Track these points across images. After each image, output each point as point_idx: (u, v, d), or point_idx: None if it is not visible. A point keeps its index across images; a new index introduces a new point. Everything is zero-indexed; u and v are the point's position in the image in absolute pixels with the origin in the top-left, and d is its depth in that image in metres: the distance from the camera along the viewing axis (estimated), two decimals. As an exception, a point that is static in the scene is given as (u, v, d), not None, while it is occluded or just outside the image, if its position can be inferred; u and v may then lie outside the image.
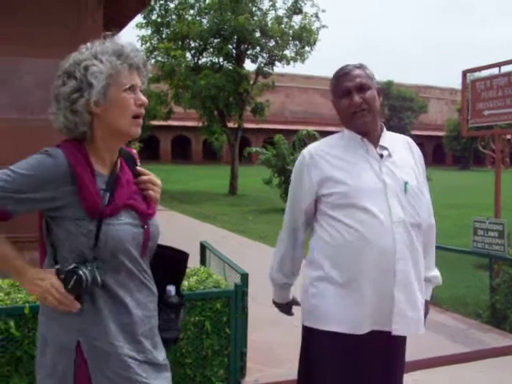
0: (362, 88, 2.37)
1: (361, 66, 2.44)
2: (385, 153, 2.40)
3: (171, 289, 2.05)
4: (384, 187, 2.32)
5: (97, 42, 1.84)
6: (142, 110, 1.86)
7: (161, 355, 1.94)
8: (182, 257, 2.11)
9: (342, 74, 2.42)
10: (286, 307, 2.75)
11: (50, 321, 1.81)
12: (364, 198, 2.29)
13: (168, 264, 2.03)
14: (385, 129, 2.48)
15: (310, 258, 2.46)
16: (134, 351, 1.82)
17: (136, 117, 1.84)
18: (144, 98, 1.85)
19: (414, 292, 2.34)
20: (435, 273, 2.63)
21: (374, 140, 2.42)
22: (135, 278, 1.87)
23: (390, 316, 2.29)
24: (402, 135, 2.61)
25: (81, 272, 1.71)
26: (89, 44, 1.84)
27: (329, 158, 2.40)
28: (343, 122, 2.47)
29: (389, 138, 2.47)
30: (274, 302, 2.77)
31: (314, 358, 2.41)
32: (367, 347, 2.33)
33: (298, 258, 2.58)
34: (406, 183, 2.36)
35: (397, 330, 2.31)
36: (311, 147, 2.50)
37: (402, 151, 2.48)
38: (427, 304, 2.56)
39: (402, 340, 2.44)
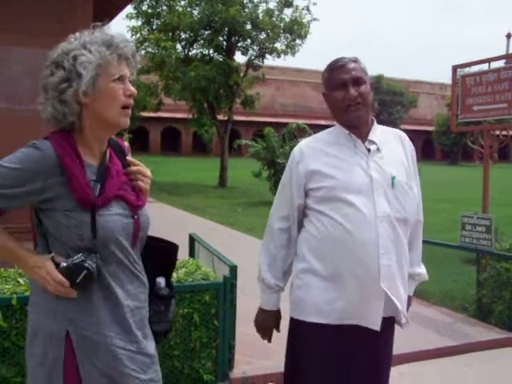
0: (357, 81, 2.36)
1: (356, 60, 2.42)
2: (373, 147, 2.39)
3: (161, 280, 2.05)
4: (370, 182, 2.32)
5: (86, 32, 1.83)
6: (131, 101, 1.85)
7: (151, 347, 1.94)
8: (172, 248, 2.12)
9: (338, 67, 2.39)
10: (272, 318, 2.56)
11: (40, 310, 1.81)
12: (350, 193, 2.29)
13: (158, 255, 2.03)
14: (375, 123, 2.47)
15: (297, 251, 2.47)
16: (124, 341, 1.83)
17: (125, 107, 1.83)
18: (133, 89, 1.84)
19: (396, 287, 2.33)
20: (421, 269, 2.62)
21: (364, 134, 2.41)
22: (126, 269, 1.87)
23: (377, 311, 2.30)
24: (395, 129, 2.60)
25: (89, 266, 1.71)
26: (78, 34, 1.83)
27: (317, 152, 2.41)
28: (335, 116, 2.45)
29: (379, 133, 2.46)
30: (260, 312, 2.59)
31: (300, 350, 2.42)
32: (353, 339, 2.33)
33: (290, 256, 2.51)
34: (393, 178, 2.35)
35: (375, 323, 2.31)
36: (302, 143, 2.51)
37: (392, 145, 2.47)
38: (410, 299, 2.57)
39: (389, 333, 2.45)
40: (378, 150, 2.40)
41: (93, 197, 1.76)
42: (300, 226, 2.48)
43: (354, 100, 2.34)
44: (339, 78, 2.37)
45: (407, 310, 2.51)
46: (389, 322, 2.40)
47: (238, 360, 4.31)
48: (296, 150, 2.49)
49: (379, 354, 2.43)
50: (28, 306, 1.89)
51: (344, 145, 2.40)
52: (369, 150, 2.39)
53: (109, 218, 1.79)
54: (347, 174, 2.32)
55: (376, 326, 2.30)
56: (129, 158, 1.97)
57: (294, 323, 2.44)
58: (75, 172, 1.76)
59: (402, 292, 2.38)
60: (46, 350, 1.78)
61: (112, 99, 1.80)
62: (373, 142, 2.41)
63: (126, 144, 2.05)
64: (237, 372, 4.24)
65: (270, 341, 2.63)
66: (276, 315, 2.57)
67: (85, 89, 1.76)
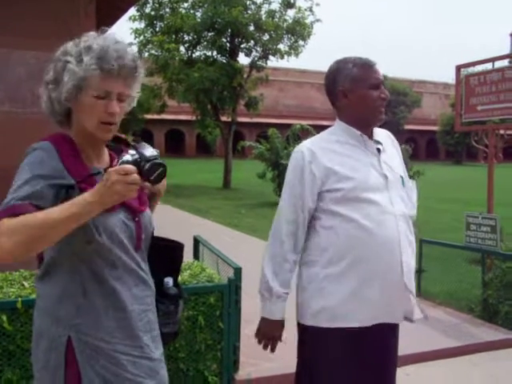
0: (383, 84, 2.40)
1: None
2: (380, 147, 2.42)
3: (169, 280, 2.04)
4: (385, 181, 2.34)
5: (95, 34, 1.81)
6: (113, 118, 1.78)
7: (158, 350, 1.93)
8: (178, 247, 2.12)
9: (371, 66, 2.39)
10: (279, 327, 2.45)
11: (44, 315, 1.81)
12: (370, 193, 2.29)
13: (164, 255, 2.02)
14: None
15: (310, 257, 2.39)
16: (129, 346, 1.81)
17: (104, 123, 1.79)
18: (115, 108, 1.77)
19: (412, 283, 2.38)
20: None
21: (370, 135, 2.42)
22: (132, 272, 1.86)
23: (401, 306, 2.35)
24: (384, 130, 2.59)
25: (163, 163, 1.67)
26: (90, 34, 1.81)
27: (330, 153, 2.35)
28: (356, 114, 2.39)
29: (378, 134, 2.49)
30: (265, 322, 2.45)
31: (320, 358, 2.36)
32: (369, 340, 2.33)
33: (297, 262, 2.43)
34: (401, 177, 2.42)
35: (418, 314, 2.39)
36: (309, 143, 2.42)
37: (389, 145, 2.51)
38: None
39: (396, 333, 2.46)
40: (384, 150, 2.43)
41: None
42: (310, 229, 2.41)
43: (385, 100, 2.38)
44: (376, 78, 2.37)
45: None
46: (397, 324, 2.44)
47: (243, 362, 4.30)
48: (304, 150, 2.37)
49: (389, 354, 2.44)
50: (34, 311, 1.88)
51: (355, 145, 2.39)
52: (378, 150, 2.40)
53: (112, 220, 1.78)
54: (365, 175, 2.32)
55: (400, 320, 2.38)
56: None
57: (311, 331, 2.37)
58: (79, 170, 1.77)
59: (414, 287, 2.42)
60: (48, 355, 1.77)
61: (89, 113, 1.77)
62: (379, 143, 2.43)
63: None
64: (242, 374, 4.23)
65: (274, 350, 2.51)
66: (282, 324, 2.46)
67: (66, 96, 1.76)
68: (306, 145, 2.41)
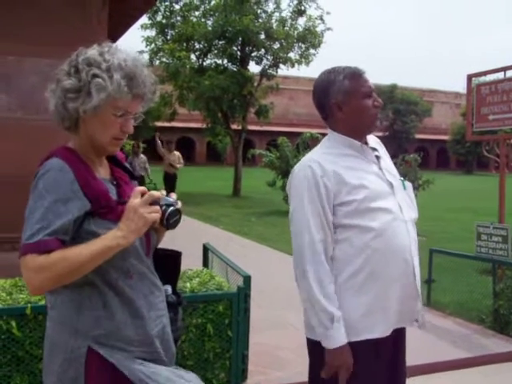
0: (373, 91, 2.40)
1: None
2: (377, 154, 2.43)
3: (167, 288, 2.05)
4: (391, 188, 2.34)
5: (119, 52, 1.80)
6: (124, 136, 1.85)
7: (170, 353, 1.95)
8: (175, 256, 2.12)
9: (361, 75, 2.37)
10: (348, 352, 2.20)
11: (60, 326, 1.80)
12: (381, 201, 2.28)
13: (162, 264, 2.02)
14: None
15: None
16: (145, 353, 1.83)
17: (115, 138, 1.83)
18: (131, 128, 1.84)
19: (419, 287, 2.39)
20: None
21: (365, 143, 2.42)
22: (145, 279, 1.88)
23: (413, 311, 2.37)
24: (371, 135, 2.52)
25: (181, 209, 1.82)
26: (114, 45, 1.82)
27: (336, 166, 2.28)
28: (352, 125, 2.35)
29: (370, 140, 2.48)
30: (334, 353, 2.18)
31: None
32: (386, 348, 2.32)
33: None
34: (402, 181, 2.43)
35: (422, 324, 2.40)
36: (314, 157, 2.35)
37: (381, 151, 2.51)
38: None
39: (404, 338, 2.46)
40: (380, 156, 2.44)
41: (114, 205, 1.78)
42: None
43: (379, 108, 2.38)
44: (368, 86, 2.36)
45: None
46: (404, 332, 2.44)
47: (252, 371, 4.29)
48: (312, 164, 2.29)
49: (400, 361, 2.43)
50: (47, 321, 1.87)
51: (356, 155, 2.37)
52: (377, 158, 2.41)
53: None
54: (372, 184, 2.30)
55: (411, 324, 2.39)
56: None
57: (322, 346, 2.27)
58: (91, 181, 1.78)
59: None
60: (65, 367, 1.76)
61: (105, 129, 1.80)
62: (375, 150, 2.44)
63: (121, 154, 2.09)
64: (250, 383, 4.21)
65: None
66: (349, 347, 2.22)
67: (87, 109, 1.75)
68: (311, 159, 2.34)
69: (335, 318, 2.17)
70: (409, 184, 2.47)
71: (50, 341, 1.82)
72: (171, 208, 1.78)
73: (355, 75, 2.37)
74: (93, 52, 1.78)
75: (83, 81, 1.74)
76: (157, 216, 1.73)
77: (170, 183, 15.68)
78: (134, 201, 1.69)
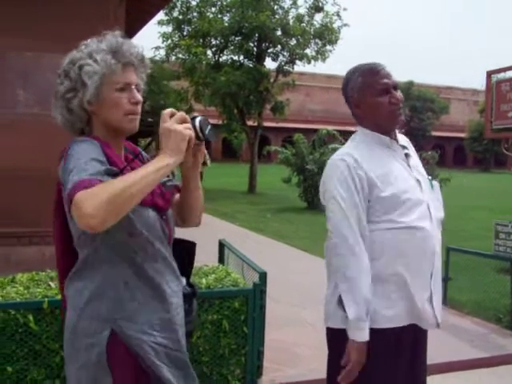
0: (396, 87, 2.35)
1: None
2: (406, 152, 2.41)
3: (183, 279, 2.05)
4: (419, 186, 2.33)
5: (95, 39, 1.85)
6: (137, 108, 1.86)
7: (186, 345, 1.97)
8: (190, 247, 2.13)
9: (377, 71, 2.34)
10: (366, 349, 2.23)
11: (81, 312, 1.80)
12: (412, 198, 2.27)
13: (176, 255, 2.03)
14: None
15: None
16: (167, 339, 1.85)
17: (129, 114, 1.84)
18: (138, 96, 1.85)
19: (439, 287, 2.38)
20: None
21: (395, 140, 2.40)
22: (169, 267, 1.91)
23: (429, 310, 2.33)
24: (401, 135, 2.54)
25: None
26: (88, 40, 1.86)
27: (368, 160, 2.28)
28: (373, 122, 2.36)
29: (400, 139, 2.46)
30: (357, 347, 2.20)
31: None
32: (405, 341, 2.32)
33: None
34: (430, 180, 2.41)
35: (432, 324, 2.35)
36: (347, 151, 2.34)
37: (410, 150, 2.49)
38: None
39: (426, 337, 2.44)
40: (410, 154, 2.42)
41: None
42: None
43: (398, 104, 2.32)
44: (383, 83, 2.32)
45: None
46: (426, 330, 2.41)
47: (267, 367, 4.28)
48: (346, 158, 2.27)
49: (420, 358, 2.42)
50: (67, 311, 1.87)
51: (385, 151, 2.36)
52: (406, 155, 2.38)
53: (150, 216, 1.83)
54: (402, 180, 2.29)
55: (432, 326, 2.35)
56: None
57: (340, 334, 2.29)
58: (117, 161, 1.80)
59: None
60: (89, 352, 1.78)
61: (115, 107, 1.82)
62: (405, 147, 2.41)
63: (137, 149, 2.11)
64: (265, 379, 4.21)
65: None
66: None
67: (89, 98, 1.79)
68: (346, 152, 2.33)
69: (370, 313, 2.19)
70: (436, 183, 2.44)
71: (72, 327, 1.83)
72: (198, 118, 1.81)
73: (370, 72, 2.35)
74: (73, 53, 1.85)
75: (74, 78, 1.80)
76: (191, 132, 1.74)
77: None
78: (165, 123, 1.73)
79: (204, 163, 2.00)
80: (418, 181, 2.34)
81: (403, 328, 2.29)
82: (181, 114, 1.76)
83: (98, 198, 1.51)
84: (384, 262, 2.24)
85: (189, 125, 1.75)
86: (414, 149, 2.55)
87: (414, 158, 2.46)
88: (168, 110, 1.77)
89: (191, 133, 1.74)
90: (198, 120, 1.81)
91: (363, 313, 2.18)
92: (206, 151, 1.96)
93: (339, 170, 2.26)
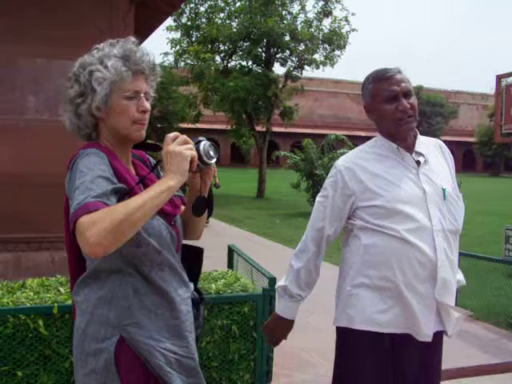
0: (407, 93, 2.30)
1: (401, 71, 2.35)
2: (421, 159, 2.35)
3: (190, 285, 2.05)
4: (424, 195, 2.28)
5: (107, 44, 1.85)
6: (145, 116, 1.85)
7: (196, 352, 1.96)
8: (198, 252, 2.13)
9: (386, 78, 2.31)
10: (287, 327, 2.53)
11: (90, 318, 1.81)
12: (405, 207, 2.25)
13: (184, 261, 2.03)
14: (418, 134, 2.43)
15: (348, 264, 2.40)
16: (176, 346, 1.86)
17: (137, 122, 1.84)
18: (147, 105, 1.85)
19: (452, 300, 2.33)
20: (459, 275, 2.55)
21: (410, 147, 2.36)
22: (176, 274, 1.91)
23: (430, 322, 2.29)
24: (434, 138, 2.55)
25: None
26: (101, 45, 1.86)
27: (365, 169, 2.33)
28: (383, 129, 2.38)
29: (423, 144, 2.41)
30: (275, 318, 2.54)
31: (351, 360, 2.38)
32: (405, 350, 2.31)
33: (319, 267, 2.48)
34: (444, 190, 2.32)
35: (425, 336, 2.30)
36: (345, 159, 2.43)
37: (436, 156, 2.44)
38: None
39: (441, 347, 2.43)
40: (425, 162, 2.36)
41: None
42: (352, 244, 2.41)
43: (406, 112, 2.28)
44: (390, 90, 2.29)
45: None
46: (438, 336, 2.37)
47: (276, 373, 4.27)
48: (340, 165, 2.39)
49: (428, 368, 2.39)
50: (77, 316, 1.87)
51: (392, 159, 2.35)
52: (418, 163, 2.34)
53: (158, 224, 1.83)
54: (399, 189, 2.28)
55: (427, 337, 2.28)
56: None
57: (345, 332, 2.39)
58: (125, 174, 1.80)
59: (453, 304, 2.36)
60: (98, 357, 1.78)
61: (123, 115, 1.82)
62: (420, 154, 2.36)
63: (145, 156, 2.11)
64: (275, 385, 4.20)
65: (276, 346, 2.66)
66: (291, 325, 2.53)
67: (97, 104, 1.80)
68: (342, 161, 2.43)
69: (284, 290, 2.47)
70: (452, 193, 2.34)
71: (81, 333, 1.83)
72: (203, 142, 1.84)
73: (379, 78, 2.34)
74: (84, 57, 1.85)
75: (84, 83, 1.80)
76: (193, 152, 1.75)
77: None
78: (168, 146, 1.74)
79: (216, 185, 2.03)
80: (423, 190, 2.29)
81: (397, 335, 2.28)
82: (182, 137, 1.77)
83: (102, 226, 1.52)
84: (377, 266, 2.28)
85: (190, 145, 1.76)
86: (445, 153, 2.49)
87: (433, 165, 2.38)
88: (172, 134, 1.77)
89: (193, 153, 1.75)
90: (202, 144, 1.83)
91: (286, 286, 2.46)
92: (216, 174, 1.98)
93: (333, 175, 2.40)
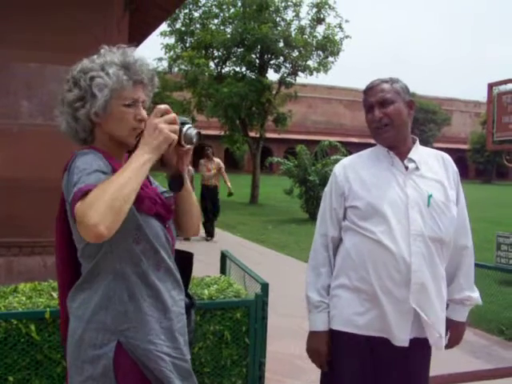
0: (384, 103, 2.37)
1: (389, 81, 2.43)
2: (411, 165, 2.39)
3: (183, 288, 2.06)
4: (406, 199, 2.32)
5: (108, 52, 1.87)
6: (141, 125, 1.86)
7: (189, 353, 1.98)
8: (187, 257, 2.14)
9: (368, 89, 2.45)
10: (322, 340, 2.45)
11: (86, 323, 1.81)
12: (384, 210, 2.30)
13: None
14: (417, 142, 2.48)
15: (334, 268, 2.49)
16: (170, 348, 1.87)
17: (133, 130, 1.86)
18: (144, 114, 1.87)
19: (432, 307, 2.32)
20: (472, 293, 2.62)
21: (403, 153, 2.41)
22: (171, 275, 1.92)
23: (405, 327, 2.30)
24: (438, 151, 2.58)
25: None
26: (102, 51, 1.88)
27: (356, 171, 2.45)
28: (371, 136, 2.48)
29: (420, 152, 2.46)
30: (310, 336, 2.51)
31: (334, 360, 2.45)
32: (384, 353, 2.34)
33: (330, 271, 2.49)
34: (429, 196, 2.34)
35: (432, 338, 2.34)
36: (341, 162, 2.58)
37: (433, 165, 2.46)
38: (462, 325, 2.63)
39: (423, 354, 2.42)
40: (416, 168, 2.39)
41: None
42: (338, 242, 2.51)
43: (378, 122, 2.37)
44: (367, 101, 2.43)
45: (460, 335, 2.60)
46: (422, 343, 2.36)
47: (269, 378, 4.26)
48: (338, 167, 2.54)
49: (411, 374, 2.39)
50: (71, 322, 1.87)
51: (382, 162, 2.42)
52: (406, 168, 2.38)
53: (155, 225, 1.85)
54: (381, 191, 2.34)
55: (402, 342, 2.29)
56: None
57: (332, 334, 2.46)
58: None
59: (440, 313, 2.36)
60: (96, 363, 1.78)
61: (121, 122, 1.84)
62: (412, 161, 2.40)
63: None
64: (267, 391, 4.19)
65: (324, 368, 2.49)
66: (325, 337, 2.45)
67: (97, 110, 1.81)
68: (340, 163, 2.58)
69: (308, 301, 2.49)
70: (438, 201, 2.35)
71: (78, 339, 1.82)
72: (188, 125, 1.84)
73: (364, 90, 2.48)
74: (84, 62, 1.87)
75: (84, 87, 1.82)
76: (175, 136, 1.75)
77: (210, 200, 13.07)
78: (155, 119, 1.74)
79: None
80: (406, 194, 2.33)
81: (374, 338, 2.33)
82: (171, 116, 1.77)
83: (98, 206, 1.54)
84: (356, 268, 2.35)
85: (176, 127, 1.77)
86: (448, 166, 2.50)
87: (424, 172, 2.41)
88: (163, 107, 1.77)
89: (175, 137, 1.75)
90: (186, 127, 1.83)
91: (308, 296, 2.51)
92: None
93: (331, 177, 2.54)
